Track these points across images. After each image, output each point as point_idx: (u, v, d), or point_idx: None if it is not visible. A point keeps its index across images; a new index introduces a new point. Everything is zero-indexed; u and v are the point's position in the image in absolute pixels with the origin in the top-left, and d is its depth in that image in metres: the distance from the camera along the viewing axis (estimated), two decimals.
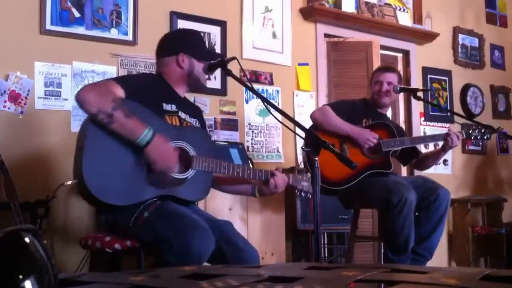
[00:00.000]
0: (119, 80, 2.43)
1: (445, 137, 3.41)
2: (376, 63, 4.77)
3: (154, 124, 2.35)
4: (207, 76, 2.62)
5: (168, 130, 2.41)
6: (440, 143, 3.52)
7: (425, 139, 3.60)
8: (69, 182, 3.19)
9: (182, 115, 2.55)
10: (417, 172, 5.22)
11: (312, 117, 3.40)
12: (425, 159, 3.66)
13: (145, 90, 2.43)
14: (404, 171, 5.31)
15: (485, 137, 3.54)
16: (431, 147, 5.15)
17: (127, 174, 2.29)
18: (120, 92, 2.32)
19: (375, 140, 3.34)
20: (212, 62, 2.55)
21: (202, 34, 2.73)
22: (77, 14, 3.65)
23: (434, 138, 3.57)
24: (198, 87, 2.66)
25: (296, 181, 2.62)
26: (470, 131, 3.55)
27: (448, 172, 5.59)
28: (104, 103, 2.21)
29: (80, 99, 2.23)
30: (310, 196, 2.62)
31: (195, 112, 2.72)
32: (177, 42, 2.63)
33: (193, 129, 2.56)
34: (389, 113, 5.08)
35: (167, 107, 2.49)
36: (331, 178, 3.27)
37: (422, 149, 4.27)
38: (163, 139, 2.29)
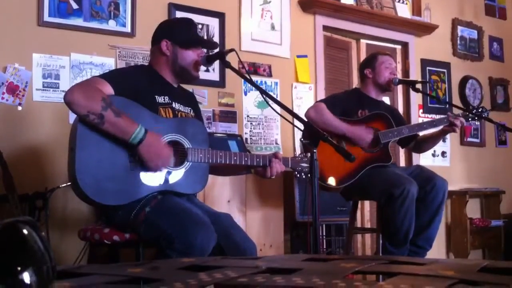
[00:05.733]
0: (107, 76, 2.39)
1: (447, 122, 3.41)
2: None
3: (146, 118, 2.34)
4: (201, 68, 2.58)
5: (161, 124, 2.39)
6: (439, 128, 3.52)
7: (423, 125, 3.58)
8: (64, 185, 3.18)
9: (176, 106, 2.52)
10: (415, 161, 5.23)
11: (307, 116, 3.34)
12: (423, 142, 3.64)
13: (136, 84, 2.41)
14: (402, 161, 5.32)
15: (483, 116, 3.54)
16: None
17: (121, 173, 2.28)
18: (108, 89, 2.30)
19: (370, 136, 3.32)
20: (210, 54, 2.54)
21: (198, 24, 2.65)
22: (75, 6, 3.64)
23: (432, 124, 3.55)
24: (185, 77, 2.58)
25: (295, 162, 2.60)
26: (467, 113, 3.57)
27: (446, 164, 5.60)
28: (93, 103, 2.19)
29: (68, 101, 2.21)
30: (309, 176, 2.60)
31: (189, 100, 2.69)
32: (161, 30, 2.61)
33: (187, 121, 2.53)
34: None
35: (160, 99, 2.47)
36: (331, 177, 3.27)
37: None
38: (155, 136, 2.28)
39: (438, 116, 5.48)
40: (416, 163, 5.19)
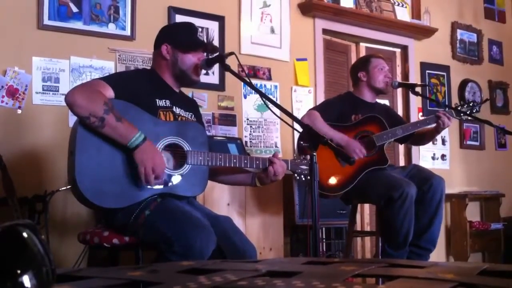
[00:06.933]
0: (108, 79, 2.40)
1: (436, 119, 3.41)
2: None
3: (145, 121, 2.34)
4: (201, 72, 2.58)
5: (161, 126, 2.40)
6: (432, 126, 3.52)
7: (416, 125, 3.58)
8: (63, 188, 3.18)
9: (177, 110, 2.52)
10: (414, 159, 5.23)
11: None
12: (421, 137, 3.64)
13: (137, 87, 2.42)
14: (401, 161, 5.32)
15: (474, 110, 3.53)
16: None
17: (121, 176, 2.28)
18: (110, 92, 2.31)
19: (361, 155, 3.28)
20: (210, 57, 2.54)
21: (198, 28, 2.65)
22: (75, 9, 3.64)
23: (424, 122, 3.55)
24: (186, 80, 2.58)
25: (295, 165, 2.61)
26: (459, 108, 3.57)
27: (446, 167, 5.59)
28: (95, 106, 2.19)
29: (70, 102, 2.21)
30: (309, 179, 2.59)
31: (190, 105, 2.69)
32: (162, 34, 2.62)
33: (186, 124, 2.53)
34: None
35: (161, 102, 2.47)
36: (329, 184, 3.27)
37: None
38: (152, 146, 2.28)
39: None
40: (416, 162, 5.19)
